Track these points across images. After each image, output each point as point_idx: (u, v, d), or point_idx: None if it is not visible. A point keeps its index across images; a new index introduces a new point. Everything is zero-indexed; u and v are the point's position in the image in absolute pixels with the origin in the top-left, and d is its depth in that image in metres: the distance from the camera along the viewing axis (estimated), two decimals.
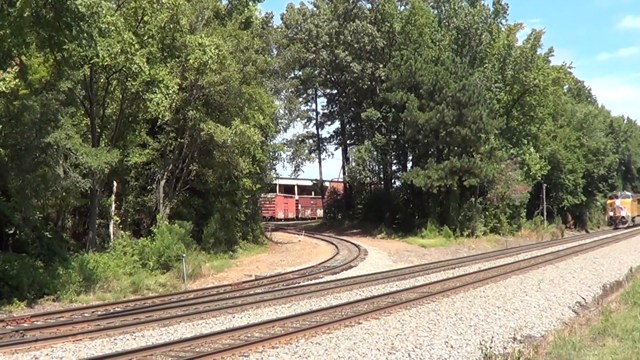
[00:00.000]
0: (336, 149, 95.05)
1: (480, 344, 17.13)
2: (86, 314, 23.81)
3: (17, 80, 24.88)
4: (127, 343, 18.37)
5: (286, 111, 79.58)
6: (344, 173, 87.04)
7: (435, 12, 77.61)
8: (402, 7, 76.07)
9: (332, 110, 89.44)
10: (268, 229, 68.22)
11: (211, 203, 47.45)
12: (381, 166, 75.36)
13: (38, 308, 26.02)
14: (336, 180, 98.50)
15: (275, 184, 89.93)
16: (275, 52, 70.65)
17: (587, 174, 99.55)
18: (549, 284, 30.83)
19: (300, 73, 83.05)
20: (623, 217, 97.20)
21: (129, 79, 34.89)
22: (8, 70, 22.88)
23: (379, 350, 17.16)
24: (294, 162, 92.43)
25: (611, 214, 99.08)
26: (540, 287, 29.92)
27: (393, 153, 74.73)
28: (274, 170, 72.66)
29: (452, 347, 17.96)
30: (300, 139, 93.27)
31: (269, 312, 23.87)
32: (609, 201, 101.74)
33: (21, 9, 22.97)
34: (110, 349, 17.56)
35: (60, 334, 19.45)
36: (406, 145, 72.85)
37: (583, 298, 27.40)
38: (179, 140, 42.96)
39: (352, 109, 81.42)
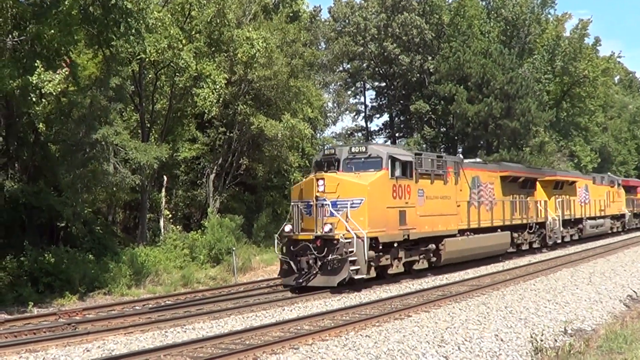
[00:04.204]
0: (385, 141, 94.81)
1: (531, 337, 17.00)
2: (137, 307, 24.04)
3: (65, 84, 25.17)
4: (178, 335, 18.49)
5: (335, 104, 79.60)
6: None
7: (484, 3, 77.03)
8: None
9: (380, 103, 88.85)
10: None
11: (261, 197, 47.59)
12: None
13: (90, 301, 26.35)
14: None
15: None
16: (324, 46, 70.67)
17: (637, 166, 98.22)
18: (600, 277, 30.45)
19: (349, 66, 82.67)
20: (332, 240, 25.48)
21: (176, 74, 35.19)
22: (58, 71, 23.05)
23: (429, 343, 17.08)
24: None
25: (287, 228, 26.92)
26: (591, 280, 29.56)
27: (442, 145, 74.20)
28: None
29: (502, 340, 17.82)
30: (349, 132, 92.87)
31: (318, 304, 23.88)
32: (296, 186, 29.22)
33: (69, 7, 23.14)
34: (161, 341, 17.70)
35: (112, 326, 19.66)
36: (455, 137, 72.36)
37: (634, 291, 26.98)
38: (228, 134, 43.14)
39: (401, 101, 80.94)
